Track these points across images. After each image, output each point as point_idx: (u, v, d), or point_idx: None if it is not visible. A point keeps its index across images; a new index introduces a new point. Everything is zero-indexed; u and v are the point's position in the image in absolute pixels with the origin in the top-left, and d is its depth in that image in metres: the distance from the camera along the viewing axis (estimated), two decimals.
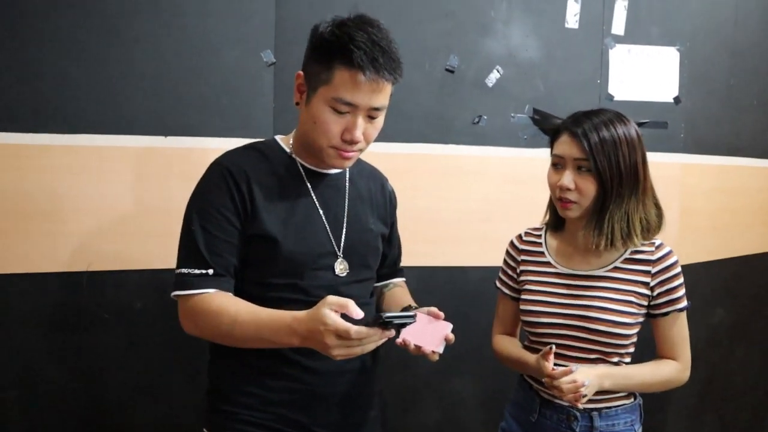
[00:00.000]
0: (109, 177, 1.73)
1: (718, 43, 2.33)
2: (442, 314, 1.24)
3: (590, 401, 1.33)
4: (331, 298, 1.06)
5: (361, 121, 1.20)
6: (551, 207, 1.45)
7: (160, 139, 1.77)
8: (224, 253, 1.23)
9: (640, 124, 2.10)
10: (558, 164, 1.36)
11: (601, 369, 1.31)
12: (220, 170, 1.26)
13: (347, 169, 1.37)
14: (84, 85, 1.69)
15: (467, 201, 2.03)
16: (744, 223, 2.52)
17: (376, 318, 1.05)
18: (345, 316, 1.05)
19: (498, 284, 1.54)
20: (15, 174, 1.66)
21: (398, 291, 1.50)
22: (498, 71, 2.03)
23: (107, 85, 1.71)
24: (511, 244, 1.53)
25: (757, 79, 2.46)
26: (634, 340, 1.38)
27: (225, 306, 1.19)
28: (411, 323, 1.08)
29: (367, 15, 1.23)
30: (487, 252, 2.00)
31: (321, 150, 1.25)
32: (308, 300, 1.21)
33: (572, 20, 2.08)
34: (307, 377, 1.27)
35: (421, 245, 1.99)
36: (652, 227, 1.36)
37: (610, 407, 1.37)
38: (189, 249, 1.24)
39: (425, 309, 1.27)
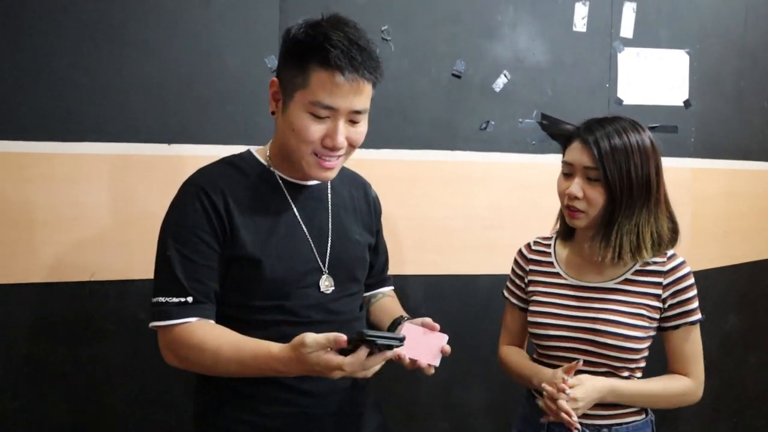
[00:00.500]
0: (112, 185, 1.71)
1: (728, 45, 2.30)
2: (437, 326, 1.19)
3: (600, 417, 1.30)
4: (310, 341, 1.01)
5: (342, 126, 1.14)
6: (562, 215, 1.42)
7: (164, 147, 1.75)
8: (203, 278, 1.16)
9: (649, 129, 2.09)
10: (568, 172, 1.33)
11: (605, 382, 1.27)
12: (194, 190, 1.18)
13: None
14: (87, 92, 1.68)
15: (475, 208, 2.00)
16: (756, 228, 2.48)
17: (359, 335, 0.99)
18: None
19: (506, 293, 1.51)
20: (17, 183, 1.64)
21: (387, 301, 1.44)
22: (505, 76, 2.00)
23: (110, 93, 1.70)
24: (520, 253, 1.49)
25: None
26: (646, 354, 1.35)
27: (206, 340, 1.13)
28: (396, 345, 1.02)
29: (342, 15, 1.17)
30: (495, 260, 1.97)
31: (301, 159, 1.17)
32: (297, 320, 1.18)
33: (580, 24, 2.05)
34: (301, 400, 1.21)
35: (428, 253, 1.96)
36: (664, 241, 1.31)
37: (620, 424, 1.33)
38: (165, 276, 1.16)
39: (419, 320, 1.22)
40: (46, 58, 1.64)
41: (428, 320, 1.20)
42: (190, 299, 1.14)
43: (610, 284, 1.34)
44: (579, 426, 1.20)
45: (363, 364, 1.02)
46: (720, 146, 2.31)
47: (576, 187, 1.29)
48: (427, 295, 1.97)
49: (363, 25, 1.18)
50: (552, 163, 1.38)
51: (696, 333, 1.33)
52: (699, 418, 2.39)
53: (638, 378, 1.35)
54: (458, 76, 1.96)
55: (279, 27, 1.82)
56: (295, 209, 1.24)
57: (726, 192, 2.35)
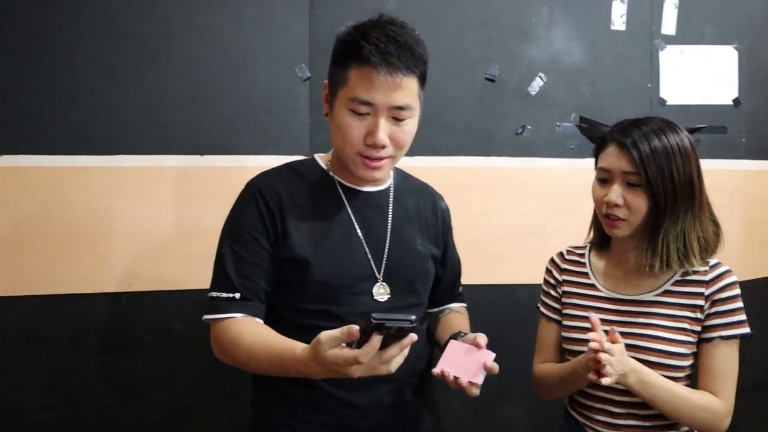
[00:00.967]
0: (147, 197, 1.74)
1: None
2: (483, 343, 1.16)
3: (635, 429, 1.23)
4: (324, 337, 0.97)
5: (383, 123, 1.13)
6: (596, 224, 1.35)
7: (196, 158, 1.76)
8: (254, 276, 1.18)
9: (695, 130, 1.99)
10: (604, 178, 1.26)
11: (638, 365, 1.17)
12: (252, 191, 1.22)
13: (391, 186, 1.29)
14: (121, 106, 1.71)
15: (511, 215, 1.95)
16: None
17: (366, 321, 0.94)
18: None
19: (541, 308, 1.43)
20: (59, 197, 1.69)
21: (453, 317, 1.40)
22: (541, 78, 1.94)
23: (144, 106, 1.72)
24: (552, 262, 1.42)
25: None
26: (689, 372, 1.25)
27: (243, 336, 1.13)
28: (408, 327, 0.94)
29: (391, 15, 1.16)
30: (534, 269, 1.86)
31: (348, 160, 1.18)
32: None
33: (618, 22, 1.98)
34: (341, 410, 1.20)
35: (464, 263, 1.88)
36: (710, 246, 1.24)
37: None
38: (219, 272, 1.20)
39: (471, 336, 1.19)
40: (79, 76, 1.69)
41: (480, 337, 1.17)
42: (237, 295, 1.16)
43: (649, 296, 1.26)
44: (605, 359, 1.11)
45: (380, 356, 0.96)
46: None
47: (615, 193, 1.22)
48: None
49: None
50: (592, 167, 1.31)
51: (731, 350, 1.22)
52: None
53: None
54: (492, 80, 1.92)
55: (309, 36, 1.81)
56: (351, 214, 1.23)
57: None
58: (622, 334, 1.21)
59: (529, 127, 1.95)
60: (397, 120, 1.14)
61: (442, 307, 1.42)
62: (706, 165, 1.27)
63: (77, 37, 1.68)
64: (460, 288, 1.48)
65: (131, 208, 1.72)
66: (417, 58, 1.12)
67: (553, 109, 1.96)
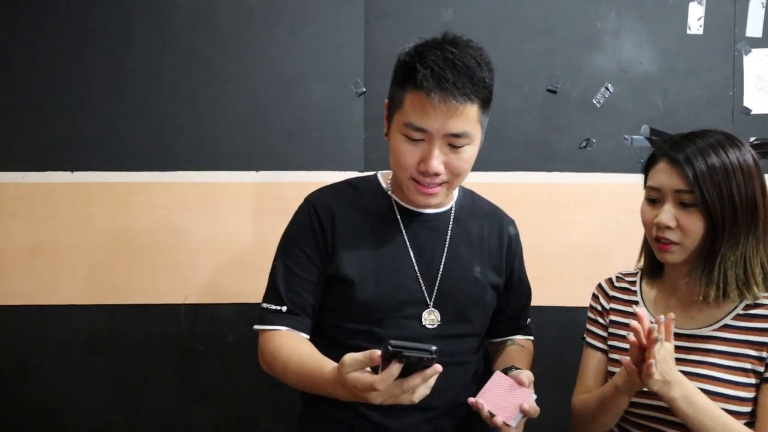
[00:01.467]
0: (204, 212, 1.79)
1: None
2: (526, 381, 1.10)
3: None
4: (348, 360, 0.94)
5: (437, 151, 1.08)
6: (646, 249, 1.23)
7: (251, 174, 1.80)
8: (302, 291, 1.18)
9: None
10: (654, 198, 1.14)
11: (686, 380, 1.04)
12: (307, 206, 1.22)
13: (453, 209, 1.24)
14: (180, 124, 1.78)
15: (575, 234, 1.83)
16: None
17: (385, 348, 0.89)
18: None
19: (587, 337, 1.31)
20: (121, 211, 1.78)
21: (514, 350, 1.32)
22: (607, 89, 1.82)
23: (200, 123, 1.79)
24: (600, 288, 1.31)
25: None
26: (749, 420, 1.09)
27: (281, 349, 1.14)
28: (427, 357, 0.88)
29: (457, 34, 1.11)
30: None
31: (401, 183, 1.15)
32: None
33: (695, 25, 1.81)
34: None
35: None
36: None
37: None
38: (270, 284, 1.22)
39: (517, 372, 1.13)
40: (142, 95, 1.78)
41: (524, 374, 1.11)
42: (284, 308, 1.17)
43: (707, 331, 1.12)
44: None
45: (400, 385, 0.91)
46: None
47: (667, 214, 1.10)
48: None
49: None
50: None
51: None
52: None
53: None
54: (554, 92, 1.82)
55: (364, 51, 1.80)
56: (405, 236, 1.20)
57: None
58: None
59: (594, 141, 1.83)
60: (453, 147, 1.09)
61: (504, 338, 1.35)
62: None
63: (141, 59, 1.77)
64: (528, 320, 1.40)
65: (188, 222, 1.79)
66: (476, 83, 1.06)
67: (620, 121, 1.82)
